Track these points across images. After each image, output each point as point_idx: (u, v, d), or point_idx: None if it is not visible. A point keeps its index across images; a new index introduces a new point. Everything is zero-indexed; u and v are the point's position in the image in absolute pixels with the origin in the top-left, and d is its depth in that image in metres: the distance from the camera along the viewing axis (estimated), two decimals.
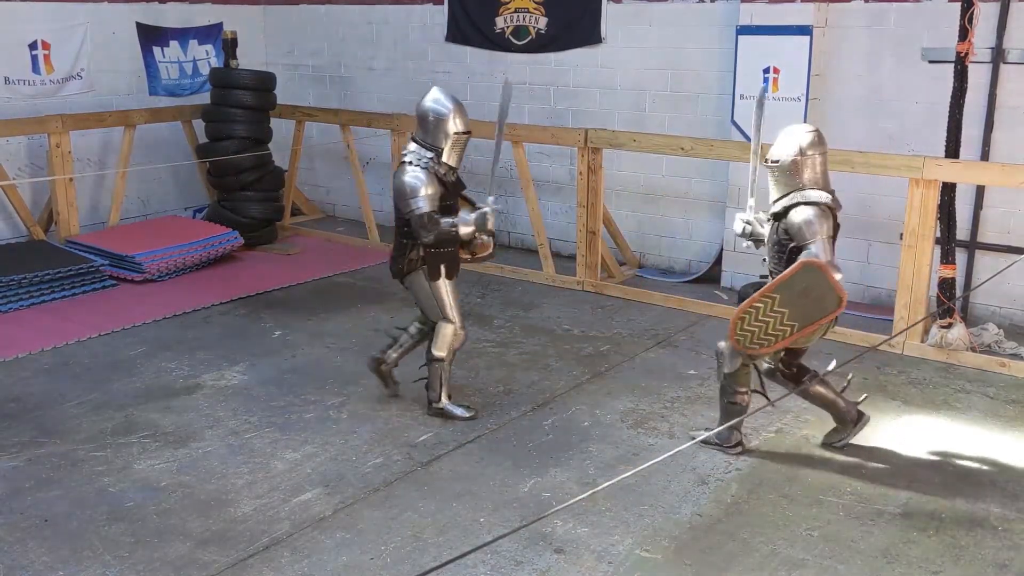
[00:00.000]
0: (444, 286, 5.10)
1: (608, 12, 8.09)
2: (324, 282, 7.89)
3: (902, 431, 5.05)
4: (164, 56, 9.44)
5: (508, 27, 8.65)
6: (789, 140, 4.53)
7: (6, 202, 8.13)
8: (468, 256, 5.21)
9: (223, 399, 5.50)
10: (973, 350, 6.08)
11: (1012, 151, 6.36)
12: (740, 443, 4.78)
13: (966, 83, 5.96)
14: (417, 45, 9.35)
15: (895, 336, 5.97)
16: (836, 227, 4.56)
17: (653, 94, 7.98)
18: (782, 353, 4.67)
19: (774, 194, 4.62)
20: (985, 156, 6.51)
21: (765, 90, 5.05)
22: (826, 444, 4.84)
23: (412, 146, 5.01)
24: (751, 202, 4.90)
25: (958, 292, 6.37)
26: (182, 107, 9.31)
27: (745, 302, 4.45)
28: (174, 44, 9.50)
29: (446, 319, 5.12)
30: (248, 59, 9.36)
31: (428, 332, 5.29)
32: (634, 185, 8.24)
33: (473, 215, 5.01)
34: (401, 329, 5.47)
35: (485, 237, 5.15)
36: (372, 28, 9.64)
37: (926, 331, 6.22)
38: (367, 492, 4.45)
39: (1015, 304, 6.64)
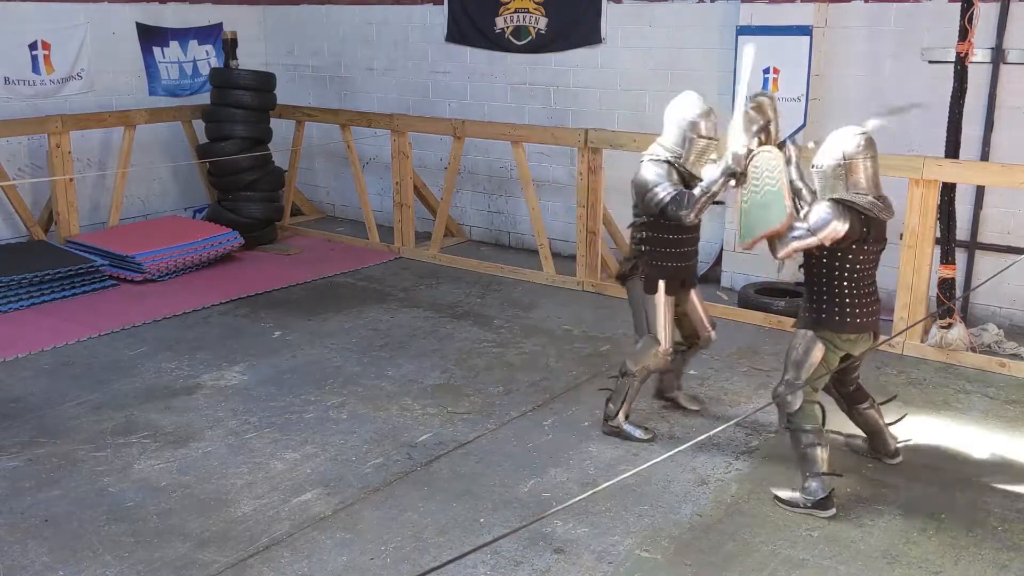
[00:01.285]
0: (661, 302, 4.80)
1: (608, 12, 8.09)
2: (324, 282, 7.89)
3: (902, 431, 5.04)
4: (164, 56, 9.44)
5: (508, 27, 8.65)
6: (834, 145, 4.26)
7: (6, 202, 8.13)
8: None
9: (223, 399, 5.50)
10: (973, 350, 6.08)
11: (1012, 151, 6.36)
12: (831, 496, 4.22)
13: (966, 83, 5.96)
14: (417, 45, 9.35)
15: (895, 336, 5.97)
16: (880, 238, 4.28)
17: (653, 94, 7.97)
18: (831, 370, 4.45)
19: (821, 196, 4.35)
20: (985, 156, 6.51)
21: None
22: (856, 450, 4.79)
23: (653, 147, 4.78)
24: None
25: (958, 292, 6.37)
26: (182, 107, 9.31)
27: (781, 160, 4.30)
28: (174, 44, 9.50)
29: (653, 337, 4.83)
30: (248, 59, 9.37)
31: (692, 345, 5.17)
32: None
33: (722, 164, 4.48)
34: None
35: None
36: (372, 28, 9.64)
37: (926, 331, 6.22)
38: (367, 492, 4.45)
39: (1015, 304, 6.64)
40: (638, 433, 4.93)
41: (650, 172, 4.67)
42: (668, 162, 4.70)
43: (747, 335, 6.54)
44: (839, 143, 4.26)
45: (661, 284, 4.79)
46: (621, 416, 4.94)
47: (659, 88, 7.93)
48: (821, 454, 4.26)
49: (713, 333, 5.19)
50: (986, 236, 6.68)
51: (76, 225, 8.27)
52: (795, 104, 6.97)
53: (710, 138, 4.70)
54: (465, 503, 4.35)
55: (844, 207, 4.17)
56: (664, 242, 4.78)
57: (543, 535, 4.07)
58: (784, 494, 4.34)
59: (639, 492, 4.41)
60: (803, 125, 7.00)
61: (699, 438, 4.42)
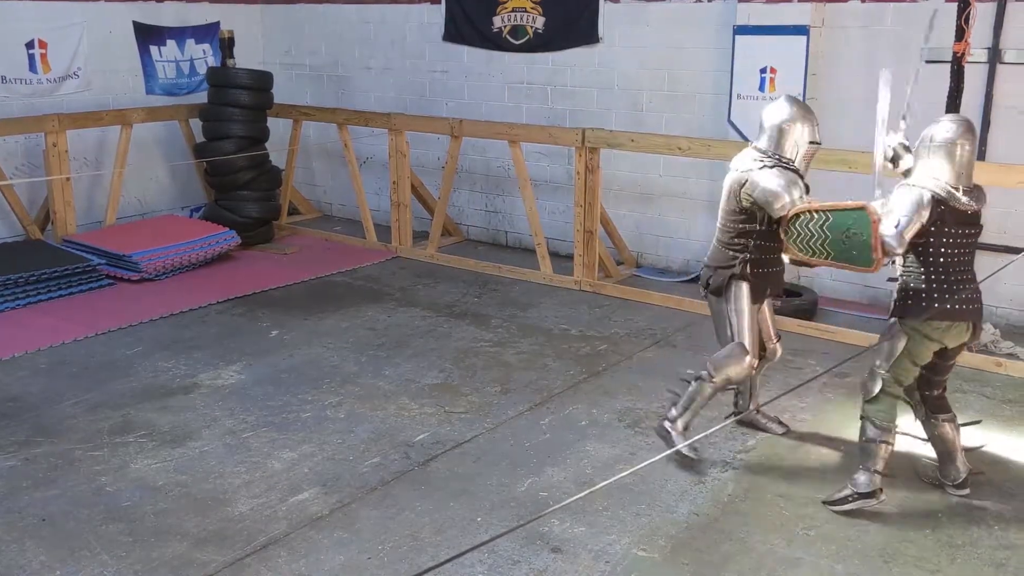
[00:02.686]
0: (748, 312, 4.61)
1: (605, 12, 8.09)
2: (321, 281, 7.88)
3: (898, 430, 5.05)
4: (161, 55, 9.43)
5: (506, 26, 8.65)
6: (938, 128, 4.19)
7: (3, 201, 8.11)
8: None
9: (220, 399, 5.49)
10: (970, 350, 6.07)
11: (1008, 151, 6.37)
12: (876, 492, 4.22)
13: (963, 83, 5.96)
14: (415, 44, 9.35)
15: None
16: (964, 222, 4.15)
17: (650, 94, 7.98)
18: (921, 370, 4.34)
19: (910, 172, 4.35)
20: (982, 156, 6.51)
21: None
22: (934, 481, 4.51)
23: (751, 152, 4.61)
24: (903, 124, 4.59)
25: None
26: (179, 106, 9.30)
27: (807, 204, 4.33)
28: (171, 43, 9.49)
29: (740, 345, 4.58)
30: (245, 58, 9.36)
31: (761, 356, 4.85)
32: (631, 185, 8.24)
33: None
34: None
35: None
36: (369, 27, 9.63)
37: None
38: (364, 492, 4.45)
39: (1012, 304, 6.65)
40: (685, 448, 4.55)
41: (779, 178, 4.44)
42: (792, 169, 4.52)
43: None
44: (943, 128, 4.17)
45: (745, 288, 4.59)
46: (680, 424, 4.64)
47: (656, 88, 7.94)
48: (882, 452, 4.20)
49: (779, 346, 4.98)
50: (983, 236, 6.65)
51: (73, 224, 8.26)
52: None
53: (816, 143, 4.60)
54: (462, 502, 4.35)
55: (919, 194, 4.07)
56: (769, 249, 4.61)
57: (540, 534, 4.07)
58: (836, 497, 4.28)
59: (636, 491, 4.41)
60: None
61: (696, 437, 4.44)
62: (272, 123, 9.13)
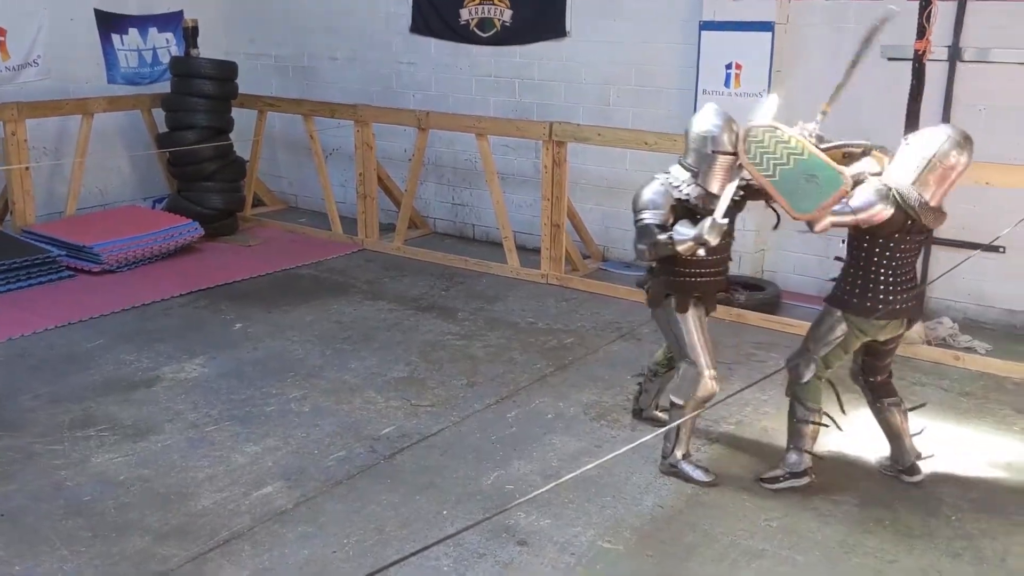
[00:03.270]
0: (693, 321, 4.41)
1: (573, 6, 8.09)
2: (286, 274, 7.83)
3: (858, 423, 5.12)
4: (123, 44, 9.28)
5: (473, 19, 8.63)
6: (935, 135, 4.13)
7: None
8: None
9: (183, 392, 5.44)
10: (929, 343, 6.18)
11: None
12: (808, 470, 4.36)
13: (923, 81, 6.05)
14: (381, 36, 9.29)
15: None
16: (919, 229, 4.14)
17: (618, 88, 8.00)
18: (861, 357, 4.47)
19: (890, 167, 4.22)
20: None
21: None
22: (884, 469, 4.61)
23: (673, 168, 4.42)
24: (820, 117, 4.44)
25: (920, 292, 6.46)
26: (141, 96, 9.17)
27: (783, 128, 4.14)
28: (133, 32, 9.34)
29: (690, 362, 4.42)
30: (209, 48, 9.24)
31: (665, 370, 4.83)
32: (598, 179, 8.26)
33: (695, 227, 4.15)
34: (645, 374, 5.04)
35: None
36: (335, 18, 9.56)
37: None
38: (329, 485, 4.43)
39: (969, 298, 6.77)
40: (697, 474, 4.47)
41: (647, 191, 4.37)
42: (673, 188, 4.32)
43: (709, 328, 6.58)
44: (936, 138, 4.09)
45: (690, 302, 4.40)
46: (679, 453, 4.51)
47: (623, 82, 7.97)
48: (811, 432, 4.34)
49: None
50: (942, 231, 6.77)
51: (32, 214, 8.13)
52: (757, 100, 7.03)
53: (730, 153, 4.24)
54: (428, 496, 4.35)
55: (892, 195, 4.04)
56: (687, 261, 4.31)
57: (506, 527, 4.08)
58: (768, 475, 4.44)
59: (602, 484, 4.44)
60: None
61: (661, 430, 4.47)
62: (237, 114, 9.04)
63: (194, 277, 7.56)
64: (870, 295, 4.18)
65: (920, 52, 5.98)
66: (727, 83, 7.17)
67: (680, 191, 4.32)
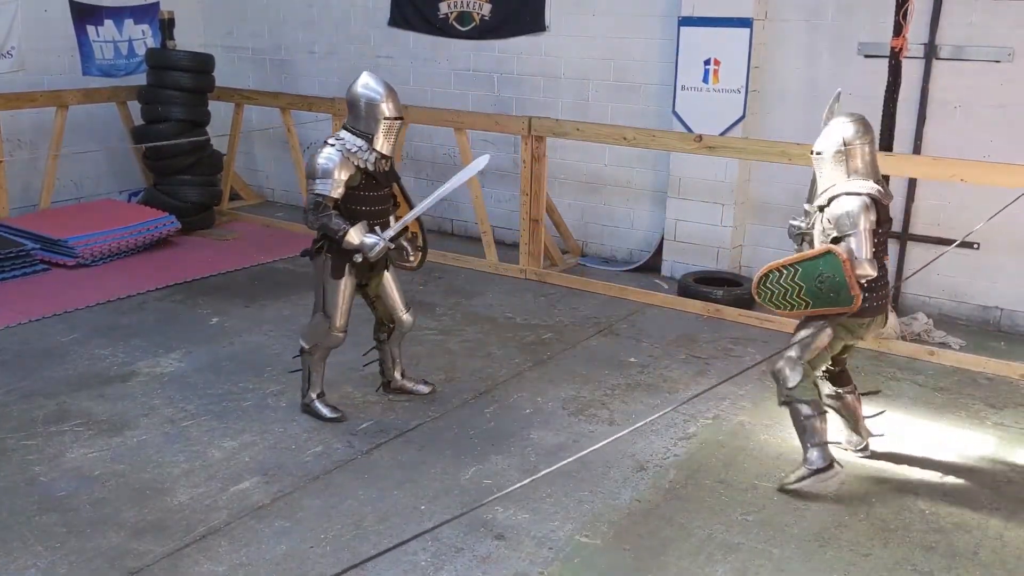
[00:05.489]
0: (343, 287, 4.85)
1: (552, 1, 8.09)
2: (263, 268, 7.79)
3: (834, 417, 5.16)
4: (98, 35, 9.20)
5: (452, 13, 8.61)
6: (833, 130, 4.32)
7: None
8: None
9: (159, 387, 5.40)
10: (903, 339, 6.24)
11: (943, 145, 6.53)
12: (832, 463, 4.35)
13: (900, 78, 6.10)
14: (359, 29, 9.26)
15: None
16: (886, 220, 4.33)
17: (596, 83, 8.02)
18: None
19: (821, 185, 4.38)
20: (917, 150, 6.68)
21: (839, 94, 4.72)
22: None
23: (342, 133, 4.78)
24: (807, 207, 4.56)
25: (890, 282, 6.52)
26: (117, 88, 9.09)
27: (773, 263, 4.35)
28: (109, 23, 9.26)
29: (324, 314, 4.90)
30: (186, 40, 9.17)
31: (391, 328, 5.19)
32: (577, 174, 8.27)
33: (367, 238, 4.71)
34: (375, 347, 5.30)
35: (410, 256, 5.01)
36: (313, 11, 9.51)
37: None
38: (306, 481, 4.42)
39: (944, 294, 6.83)
40: (325, 411, 5.00)
41: (321, 158, 4.67)
42: (344, 151, 4.68)
43: (686, 323, 6.63)
44: (838, 128, 4.28)
45: (347, 268, 4.82)
46: (312, 394, 5.02)
47: (602, 77, 7.98)
48: (820, 425, 4.34)
49: (409, 315, 5.21)
50: (917, 228, 6.85)
51: (6, 208, 8.05)
52: (735, 96, 7.07)
53: (395, 118, 4.74)
54: (406, 491, 4.34)
55: (864, 199, 4.15)
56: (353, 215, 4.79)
57: (484, 522, 4.08)
58: (791, 479, 4.38)
59: (579, 478, 4.45)
60: (742, 116, 7.10)
61: (638, 424, 4.49)
62: (213, 107, 8.97)
63: (170, 271, 7.50)
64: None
65: (897, 49, 6.03)
66: (705, 79, 7.19)
67: (360, 158, 4.69)
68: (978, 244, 6.52)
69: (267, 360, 5.81)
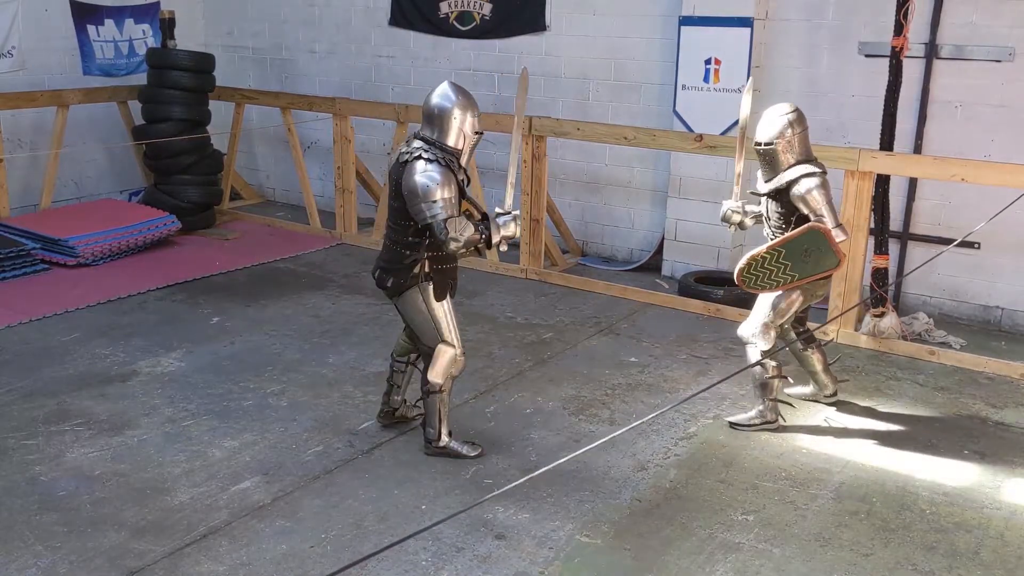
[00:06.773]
0: (446, 307, 4.51)
1: (552, 0, 8.09)
2: (263, 268, 7.79)
3: (835, 417, 5.17)
4: (99, 35, 9.21)
5: (453, 12, 8.61)
6: (776, 121, 4.82)
7: None
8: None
9: (159, 386, 5.40)
10: (904, 338, 6.24)
11: (943, 144, 6.52)
12: (779, 416, 4.98)
13: (900, 77, 6.09)
14: (360, 28, 9.26)
15: (828, 323, 6.10)
16: None
17: (597, 83, 8.01)
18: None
19: (768, 173, 4.89)
20: (918, 149, 6.67)
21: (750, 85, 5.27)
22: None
23: (419, 143, 4.37)
24: (736, 190, 5.13)
25: (891, 282, 6.53)
26: (118, 87, 9.09)
27: (754, 251, 4.78)
28: (109, 23, 9.26)
29: (445, 343, 4.51)
30: (186, 39, 9.18)
31: (417, 357, 4.74)
32: (577, 173, 8.27)
33: (501, 219, 4.38)
34: (395, 368, 4.86)
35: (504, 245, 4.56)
36: (314, 10, 9.51)
37: (859, 319, 6.37)
38: (307, 480, 4.42)
39: (944, 294, 6.83)
40: (465, 449, 4.63)
41: (424, 177, 4.23)
42: (446, 165, 4.29)
43: (687, 323, 6.63)
44: (781, 119, 4.82)
45: (431, 289, 4.47)
46: (445, 435, 4.61)
47: (603, 77, 7.98)
48: (779, 384, 4.95)
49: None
50: (918, 227, 6.85)
51: (6, 207, 8.05)
52: (736, 95, 7.05)
53: (479, 133, 4.47)
54: (406, 490, 4.34)
55: (821, 177, 4.76)
56: (449, 255, 4.47)
57: (484, 521, 4.08)
58: (741, 418, 5.00)
59: (580, 478, 4.45)
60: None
61: (637, 422, 4.49)
62: (214, 106, 8.98)
63: (171, 271, 7.50)
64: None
65: (897, 49, 6.02)
66: (706, 78, 7.19)
67: (455, 173, 4.34)
68: (979, 244, 6.52)
69: (268, 360, 5.81)
